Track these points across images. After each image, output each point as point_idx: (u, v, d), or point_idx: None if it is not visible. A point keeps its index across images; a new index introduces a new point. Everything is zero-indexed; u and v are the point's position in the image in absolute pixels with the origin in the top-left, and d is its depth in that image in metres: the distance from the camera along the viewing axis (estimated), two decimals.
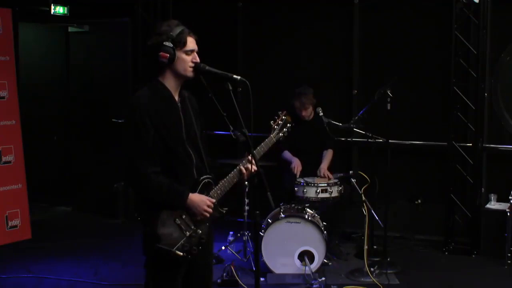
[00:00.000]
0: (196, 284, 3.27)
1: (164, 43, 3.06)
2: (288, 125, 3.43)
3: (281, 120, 3.43)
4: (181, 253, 3.05)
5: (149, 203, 3.10)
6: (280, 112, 3.47)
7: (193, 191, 3.13)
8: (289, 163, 5.96)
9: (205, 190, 3.18)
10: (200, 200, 3.11)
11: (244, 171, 3.23)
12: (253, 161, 3.11)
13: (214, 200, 3.16)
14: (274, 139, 3.40)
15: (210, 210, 3.13)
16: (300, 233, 5.26)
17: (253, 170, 3.16)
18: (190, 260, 3.12)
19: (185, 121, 3.17)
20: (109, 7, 7.48)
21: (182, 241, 3.06)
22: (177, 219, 3.08)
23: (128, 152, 3.07)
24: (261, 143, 3.36)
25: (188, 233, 3.09)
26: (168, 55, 3.06)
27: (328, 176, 5.78)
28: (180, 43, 3.08)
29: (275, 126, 3.41)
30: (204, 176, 3.19)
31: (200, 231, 3.13)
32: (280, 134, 3.42)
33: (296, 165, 5.91)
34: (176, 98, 3.17)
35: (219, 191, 3.21)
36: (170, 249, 3.03)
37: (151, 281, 3.16)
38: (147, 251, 3.13)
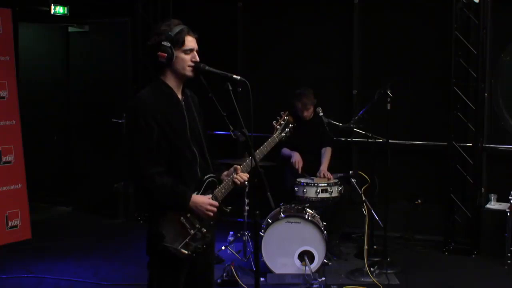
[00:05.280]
0: (199, 282, 3.27)
1: (162, 42, 3.06)
2: (290, 125, 3.43)
3: (283, 120, 3.43)
4: (186, 252, 3.05)
5: (154, 202, 3.10)
6: (282, 113, 3.47)
7: (198, 191, 3.13)
8: (289, 159, 5.97)
9: (209, 189, 3.18)
10: (202, 201, 3.10)
11: (238, 183, 3.21)
12: (251, 164, 3.11)
13: (215, 202, 3.15)
14: (277, 139, 3.39)
15: (214, 209, 3.12)
16: (300, 233, 5.26)
17: (242, 182, 3.18)
18: (193, 258, 3.12)
19: (189, 119, 3.16)
20: (109, 7, 7.48)
21: (187, 240, 3.07)
22: (182, 218, 3.08)
23: (131, 153, 3.07)
24: (263, 143, 3.35)
25: (193, 232, 3.09)
26: (166, 54, 3.06)
27: (328, 177, 5.78)
28: (178, 43, 3.07)
29: (278, 126, 3.41)
30: (208, 175, 3.19)
31: (205, 230, 3.13)
32: (283, 134, 3.42)
33: (297, 160, 5.92)
34: (179, 96, 3.17)
35: (223, 190, 3.21)
36: (175, 248, 3.03)
37: (155, 280, 3.15)
38: (151, 251, 3.12)
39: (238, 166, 3.23)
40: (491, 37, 6.18)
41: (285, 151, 6.06)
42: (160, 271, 3.13)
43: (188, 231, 3.08)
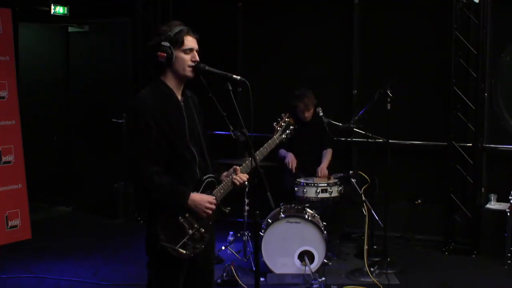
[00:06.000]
0: (198, 283, 3.27)
1: (162, 43, 3.07)
2: (291, 127, 3.43)
3: (284, 122, 3.42)
4: (185, 251, 3.06)
5: (152, 202, 3.10)
6: (283, 114, 3.46)
7: (196, 191, 3.13)
8: (284, 159, 5.99)
9: (208, 190, 3.18)
10: (201, 198, 3.11)
11: (237, 183, 3.22)
12: (251, 164, 3.11)
13: (214, 198, 3.15)
14: (277, 141, 3.39)
15: (213, 207, 3.13)
16: (300, 233, 5.26)
17: (242, 182, 3.18)
18: (192, 258, 3.12)
19: (188, 120, 3.17)
20: (109, 7, 7.48)
21: (185, 239, 3.07)
22: (180, 218, 3.08)
23: (131, 153, 3.07)
24: (263, 144, 3.35)
25: (191, 232, 3.09)
26: (165, 54, 3.07)
27: (325, 175, 5.78)
28: (177, 43, 3.08)
29: (278, 128, 3.41)
30: (207, 176, 3.19)
31: (203, 230, 3.14)
32: (283, 136, 3.41)
33: (291, 160, 5.96)
34: (179, 97, 3.18)
35: (222, 191, 3.21)
36: (173, 248, 3.04)
37: (154, 280, 3.16)
38: (150, 251, 3.13)
39: (238, 167, 3.23)
40: (491, 37, 6.18)
41: (282, 152, 6.07)
42: (159, 271, 3.13)
43: (186, 231, 3.08)
